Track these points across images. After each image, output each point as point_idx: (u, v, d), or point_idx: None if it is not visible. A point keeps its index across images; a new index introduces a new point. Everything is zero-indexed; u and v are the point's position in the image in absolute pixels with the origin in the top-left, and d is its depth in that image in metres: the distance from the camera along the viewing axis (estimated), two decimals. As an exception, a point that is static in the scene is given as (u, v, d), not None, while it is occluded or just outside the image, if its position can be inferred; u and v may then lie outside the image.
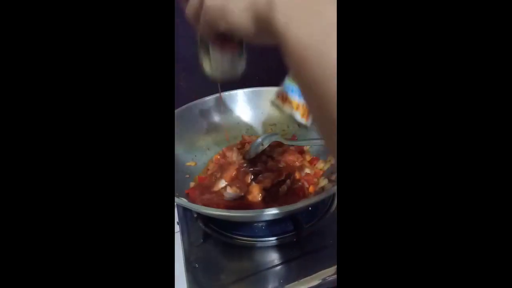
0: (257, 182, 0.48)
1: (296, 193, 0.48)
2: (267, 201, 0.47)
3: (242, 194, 0.47)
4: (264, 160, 0.56)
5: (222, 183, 0.51)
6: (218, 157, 0.61)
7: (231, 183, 0.51)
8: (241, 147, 0.61)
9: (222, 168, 0.55)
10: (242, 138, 0.64)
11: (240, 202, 0.48)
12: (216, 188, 0.51)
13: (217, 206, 0.47)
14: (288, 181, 0.49)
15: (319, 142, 0.57)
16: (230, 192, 0.47)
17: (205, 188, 0.52)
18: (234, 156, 0.60)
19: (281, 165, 0.53)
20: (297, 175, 0.51)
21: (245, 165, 0.55)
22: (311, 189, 0.49)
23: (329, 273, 0.41)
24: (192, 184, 0.55)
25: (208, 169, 0.58)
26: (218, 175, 0.54)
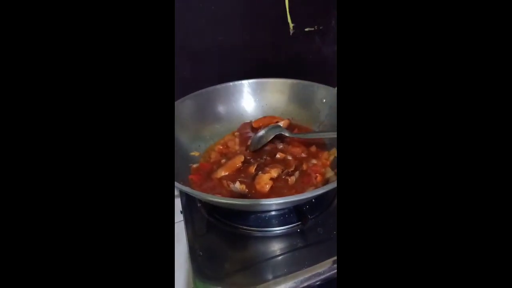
0: (264, 173, 0.48)
1: (305, 183, 0.48)
2: (275, 192, 0.47)
3: (247, 190, 0.47)
4: (270, 151, 0.56)
5: (224, 172, 0.51)
6: (221, 147, 0.60)
7: (235, 175, 0.51)
8: (240, 136, 0.61)
9: (226, 157, 0.55)
10: (241, 127, 0.64)
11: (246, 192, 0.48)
12: (218, 175, 0.51)
13: (221, 194, 0.47)
14: (297, 173, 0.49)
15: (321, 135, 0.58)
16: (237, 187, 0.47)
17: (207, 174, 0.52)
18: (237, 146, 0.60)
19: (289, 157, 0.53)
20: (304, 166, 0.51)
21: (248, 157, 0.55)
22: (319, 178, 0.49)
23: (331, 263, 0.41)
24: (195, 165, 0.55)
25: (210, 158, 0.58)
26: (223, 161, 0.53)
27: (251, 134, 0.61)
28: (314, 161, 0.53)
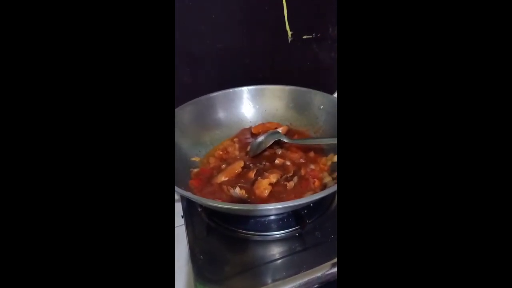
0: (264, 178, 0.49)
1: (303, 188, 0.49)
2: (274, 196, 0.48)
3: (247, 195, 0.48)
4: (269, 157, 0.57)
5: (224, 177, 0.52)
6: (221, 152, 0.61)
7: (235, 180, 0.51)
8: (239, 141, 0.62)
9: (226, 162, 0.56)
10: (240, 132, 0.65)
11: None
12: (218, 180, 0.51)
13: (221, 199, 0.48)
14: (295, 178, 0.50)
15: (319, 141, 0.59)
16: (237, 192, 0.48)
17: (207, 179, 0.53)
18: (236, 151, 0.61)
19: (288, 162, 0.54)
20: (302, 171, 0.52)
21: (247, 162, 0.56)
22: (317, 183, 0.50)
23: (329, 266, 0.42)
24: (195, 170, 0.56)
25: (209, 163, 0.59)
26: (223, 167, 0.54)
27: (250, 139, 0.62)
28: (312, 166, 0.54)
